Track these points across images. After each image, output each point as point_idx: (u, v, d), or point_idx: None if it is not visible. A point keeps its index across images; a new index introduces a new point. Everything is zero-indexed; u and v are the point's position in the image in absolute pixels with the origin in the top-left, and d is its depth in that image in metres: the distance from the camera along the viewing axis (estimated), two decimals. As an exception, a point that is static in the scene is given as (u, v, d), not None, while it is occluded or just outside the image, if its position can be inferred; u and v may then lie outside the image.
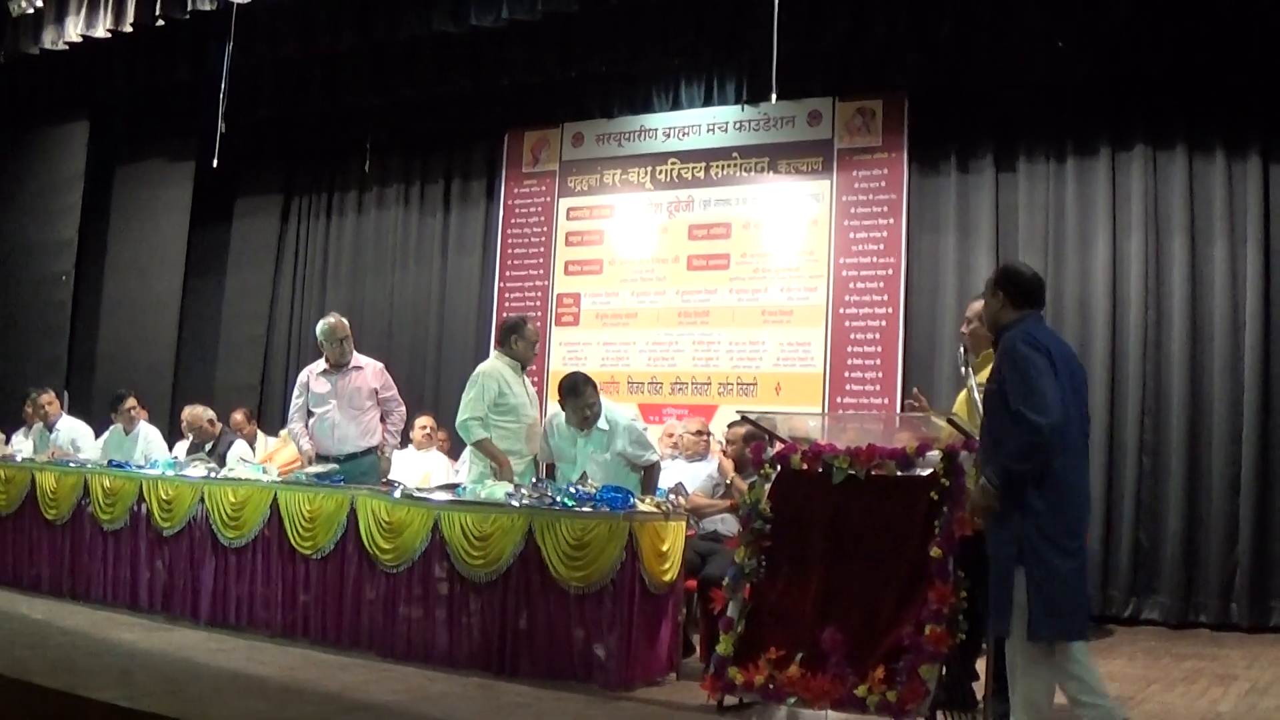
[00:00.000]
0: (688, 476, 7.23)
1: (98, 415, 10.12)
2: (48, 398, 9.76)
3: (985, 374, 4.83)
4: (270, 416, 11.45)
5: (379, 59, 10.51)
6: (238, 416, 10.41)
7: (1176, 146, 8.65)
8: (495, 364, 7.01)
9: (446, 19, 9.42)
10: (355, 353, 7.83)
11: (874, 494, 5.15)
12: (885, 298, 9.50)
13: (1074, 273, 8.90)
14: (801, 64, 9.18)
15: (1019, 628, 4.34)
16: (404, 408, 8.04)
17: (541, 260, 11.06)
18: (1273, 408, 8.23)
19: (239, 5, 9.48)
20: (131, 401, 9.51)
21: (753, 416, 6.09)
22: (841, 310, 9.65)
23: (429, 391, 11.13)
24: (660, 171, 10.62)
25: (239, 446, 9.55)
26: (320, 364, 7.82)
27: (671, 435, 8.28)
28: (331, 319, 7.81)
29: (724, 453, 7.42)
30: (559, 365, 10.54)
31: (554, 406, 7.18)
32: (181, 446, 9.82)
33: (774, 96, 7.97)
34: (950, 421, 5.09)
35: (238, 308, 12.50)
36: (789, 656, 5.07)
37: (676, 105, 10.52)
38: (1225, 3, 8.03)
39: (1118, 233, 8.79)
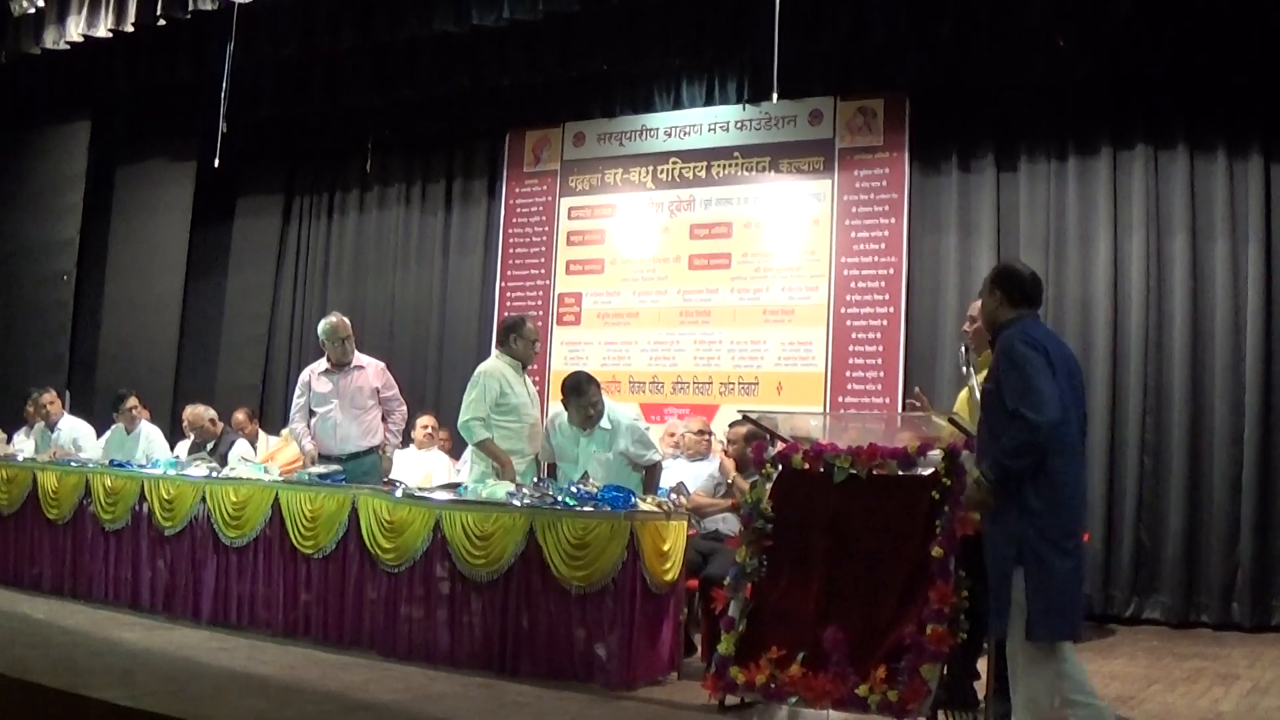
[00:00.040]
0: (689, 476, 7.23)
1: (99, 415, 10.12)
2: (49, 397, 9.77)
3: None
4: (272, 416, 11.45)
5: (380, 59, 10.51)
6: (239, 416, 10.42)
7: (1178, 146, 8.65)
8: (496, 364, 7.00)
9: (448, 19, 9.42)
10: (357, 352, 7.83)
11: (875, 493, 5.15)
12: (887, 297, 9.50)
13: (1075, 272, 8.90)
14: (803, 63, 9.18)
15: (1018, 627, 4.34)
16: (405, 407, 8.05)
17: (543, 260, 11.06)
18: (1274, 407, 8.23)
19: (240, 5, 9.48)
20: (133, 401, 9.51)
21: (754, 416, 6.09)
22: (843, 310, 9.65)
23: (430, 391, 11.13)
24: (661, 171, 10.62)
25: (240, 446, 9.55)
26: (322, 363, 7.82)
27: (673, 435, 8.28)
28: (333, 318, 7.81)
29: (725, 452, 7.42)
30: (560, 365, 10.54)
31: (555, 406, 7.18)
32: (183, 446, 9.81)
33: (775, 96, 7.97)
34: (952, 421, 5.09)
35: (239, 307, 12.50)
36: (790, 656, 5.07)
37: (678, 105, 10.52)
38: (1226, 2, 8.02)
39: (1119, 232, 8.78)
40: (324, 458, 7.57)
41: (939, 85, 9.45)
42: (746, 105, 10.13)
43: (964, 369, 5.44)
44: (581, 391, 6.70)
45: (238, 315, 12.49)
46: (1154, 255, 8.65)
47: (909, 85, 9.58)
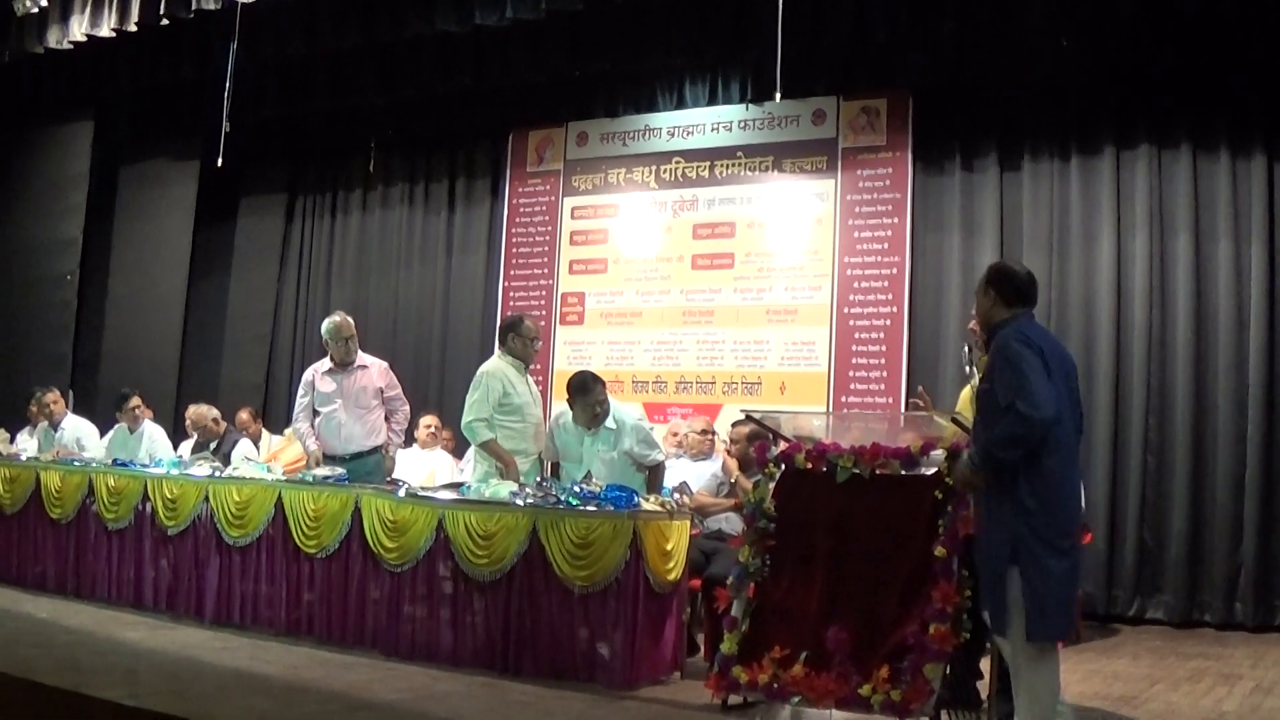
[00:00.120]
0: (692, 475, 7.23)
1: (102, 414, 10.13)
2: (53, 397, 9.77)
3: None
4: (275, 415, 11.46)
5: (383, 58, 10.52)
6: (243, 415, 10.43)
7: (1181, 145, 8.64)
8: (498, 364, 7.00)
9: (450, 18, 9.42)
10: (360, 352, 7.84)
11: (878, 493, 5.14)
12: (890, 297, 9.49)
13: (1078, 271, 8.90)
14: (806, 63, 9.19)
15: (1018, 627, 4.34)
16: (408, 407, 8.05)
17: (546, 259, 11.06)
18: (1277, 406, 8.22)
19: (243, 4, 9.48)
20: (136, 400, 9.51)
21: (757, 415, 6.10)
22: (846, 309, 9.64)
23: (433, 390, 11.13)
24: (665, 171, 10.61)
25: (244, 445, 9.55)
26: (325, 363, 7.83)
27: (676, 434, 8.27)
28: (337, 318, 7.82)
29: (728, 452, 7.41)
30: (564, 365, 10.54)
31: (557, 406, 7.18)
32: (186, 445, 9.82)
33: (778, 95, 7.98)
34: (954, 420, 5.10)
35: (242, 307, 12.51)
36: (793, 655, 5.07)
37: (681, 104, 10.51)
38: (1228, 1, 8.02)
39: (1122, 231, 8.78)
40: (328, 458, 7.58)
41: (942, 85, 9.44)
42: (749, 105, 10.13)
43: (967, 368, 5.45)
44: (587, 390, 6.71)
45: (241, 315, 12.50)
46: (1157, 255, 8.64)
47: (912, 85, 9.57)
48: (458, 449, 9.25)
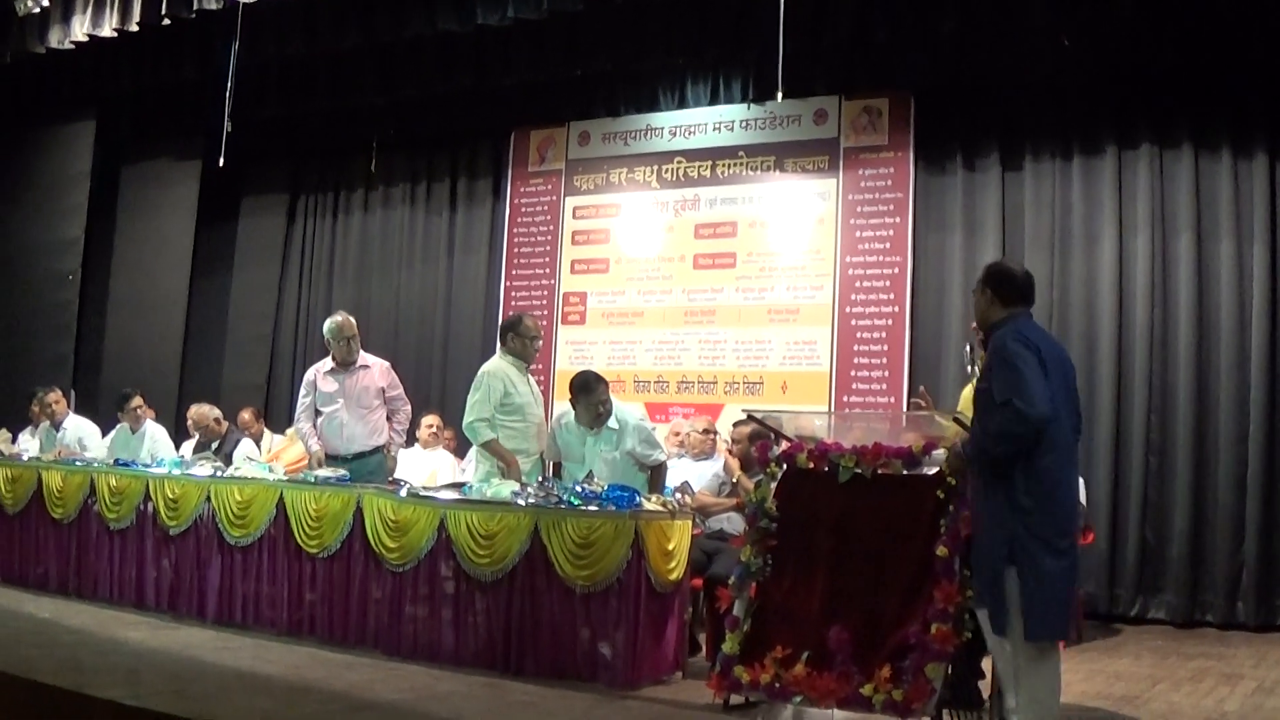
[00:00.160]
0: (694, 475, 7.23)
1: (104, 414, 10.13)
2: (54, 396, 9.77)
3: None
4: (276, 415, 11.46)
5: (384, 58, 10.51)
6: (245, 415, 10.43)
7: (1182, 145, 8.64)
8: (499, 363, 7.00)
9: (452, 18, 9.42)
10: (362, 351, 7.84)
11: (880, 493, 5.14)
12: (891, 296, 9.49)
13: (1080, 271, 8.90)
14: (807, 63, 9.19)
15: (1017, 627, 4.34)
16: (410, 406, 8.05)
17: (547, 259, 11.06)
18: (1279, 406, 8.21)
19: (245, 4, 9.47)
20: (138, 400, 9.51)
21: (759, 415, 6.10)
22: (848, 309, 9.64)
23: (435, 390, 11.13)
24: (666, 170, 10.61)
25: (245, 445, 9.54)
26: (327, 363, 7.83)
27: (678, 434, 8.26)
28: (339, 317, 7.82)
29: (730, 451, 7.41)
30: (565, 364, 10.54)
31: (559, 406, 7.18)
32: (188, 445, 9.81)
33: (780, 95, 7.98)
34: (956, 420, 5.10)
35: (244, 307, 12.51)
36: (795, 655, 5.07)
37: (682, 104, 10.51)
38: (1229, 1, 8.01)
39: (1124, 231, 8.77)
40: (330, 457, 7.58)
41: (944, 84, 9.43)
42: (751, 104, 10.13)
43: (969, 368, 5.45)
44: (590, 390, 6.71)
45: (243, 314, 12.50)
46: (1159, 254, 8.64)
47: (914, 84, 9.57)
48: (459, 449, 9.25)
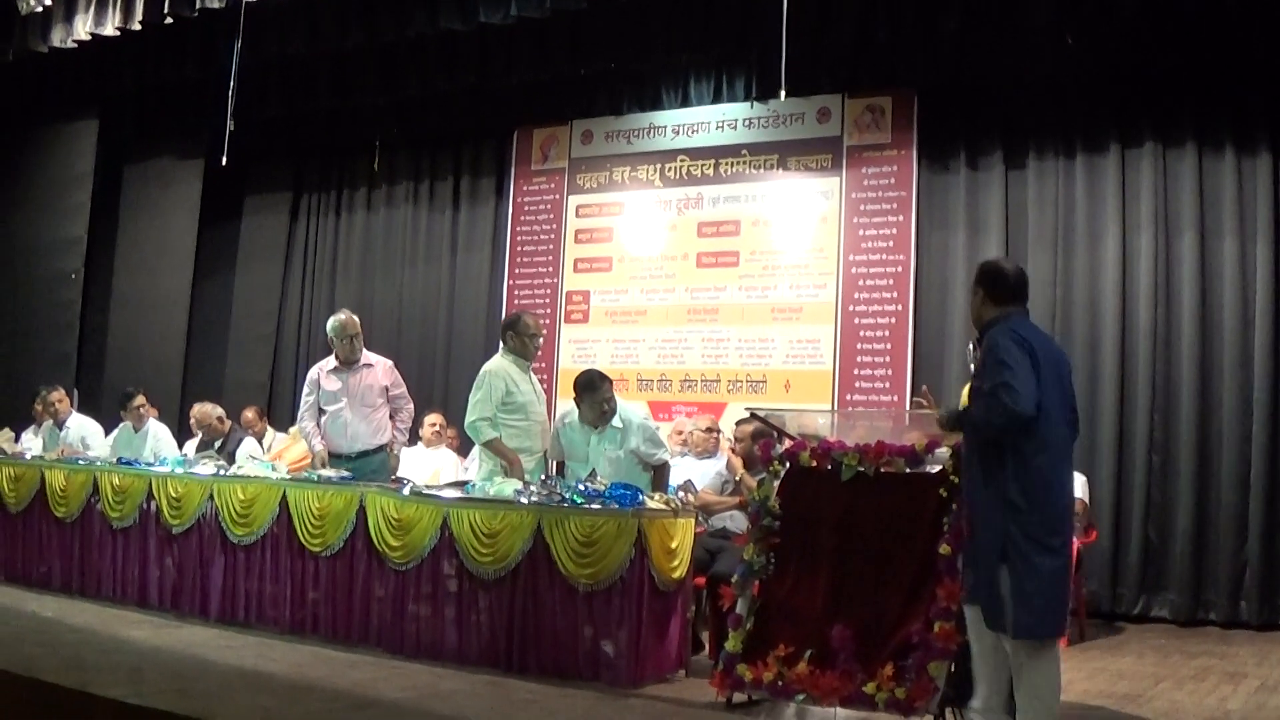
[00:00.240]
0: (697, 473, 7.22)
1: (107, 413, 10.14)
2: (57, 395, 9.78)
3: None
4: (279, 414, 11.47)
5: (387, 57, 10.51)
6: (248, 414, 10.44)
7: (1186, 143, 8.63)
8: (501, 362, 6.99)
9: (455, 16, 9.41)
10: (365, 350, 7.84)
11: (883, 491, 5.14)
12: (894, 295, 9.49)
13: (1083, 270, 8.89)
14: (810, 61, 9.19)
15: (1011, 626, 4.34)
16: (412, 405, 8.04)
17: (551, 258, 11.06)
18: (1283, 405, 8.22)
19: (247, 3, 9.46)
20: (141, 399, 9.52)
21: (762, 413, 6.10)
22: (851, 307, 9.64)
23: (438, 389, 11.13)
24: (669, 169, 10.61)
25: (248, 444, 9.56)
26: (330, 361, 7.83)
27: (681, 432, 8.25)
28: (342, 316, 7.81)
29: (733, 450, 7.42)
30: (569, 363, 10.54)
31: (562, 404, 7.18)
32: (191, 444, 9.83)
33: (783, 93, 7.97)
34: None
35: (247, 305, 12.52)
36: (798, 653, 5.07)
37: (685, 102, 10.51)
38: (1231, 1, 7.99)
39: (1127, 229, 8.77)
40: (333, 456, 7.58)
41: (947, 83, 9.43)
42: (754, 103, 10.12)
43: (972, 366, 5.42)
44: (595, 389, 6.70)
45: (245, 313, 12.51)
46: (1162, 253, 8.64)
47: (917, 83, 9.56)
48: (462, 447, 9.24)
